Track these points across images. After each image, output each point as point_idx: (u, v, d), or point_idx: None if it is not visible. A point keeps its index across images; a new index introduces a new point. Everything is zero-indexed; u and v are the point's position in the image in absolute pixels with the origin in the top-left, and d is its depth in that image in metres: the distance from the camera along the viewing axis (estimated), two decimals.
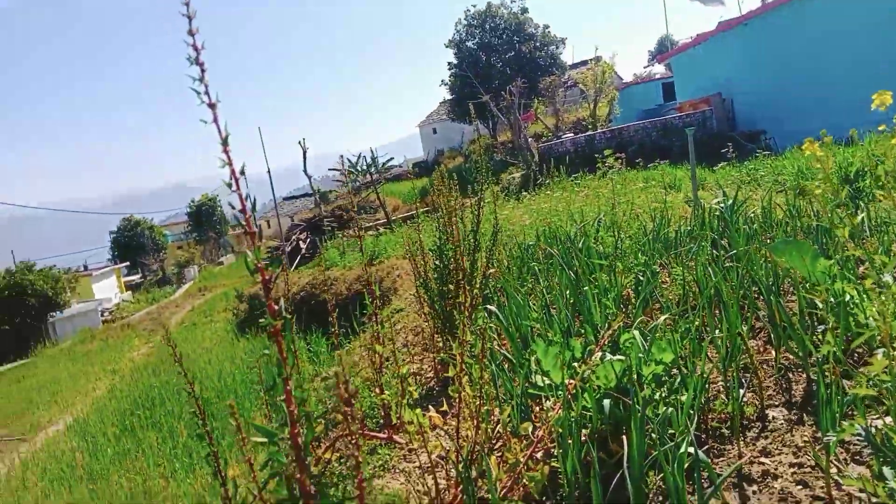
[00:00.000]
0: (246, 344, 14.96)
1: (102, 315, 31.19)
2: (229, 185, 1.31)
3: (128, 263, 44.55)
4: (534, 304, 3.56)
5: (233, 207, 1.35)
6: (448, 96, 38.86)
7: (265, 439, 1.43)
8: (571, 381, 2.39)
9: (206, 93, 1.23)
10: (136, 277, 45.18)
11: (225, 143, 1.25)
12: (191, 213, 52.20)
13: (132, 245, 45.76)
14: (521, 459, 2.21)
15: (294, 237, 21.76)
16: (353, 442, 1.36)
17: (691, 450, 1.86)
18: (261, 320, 1.35)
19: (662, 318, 2.70)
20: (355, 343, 9.16)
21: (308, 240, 21.03)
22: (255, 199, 1.34)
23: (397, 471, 3.11)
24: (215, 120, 1.25)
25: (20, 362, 23.68)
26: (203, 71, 1.22)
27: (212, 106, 1.24)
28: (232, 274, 35.98)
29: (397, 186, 35.26)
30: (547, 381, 2.72)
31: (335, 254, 17.24)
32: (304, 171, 26.77)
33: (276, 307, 1.30)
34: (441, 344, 4.59)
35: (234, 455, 7.80)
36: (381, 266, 13.22)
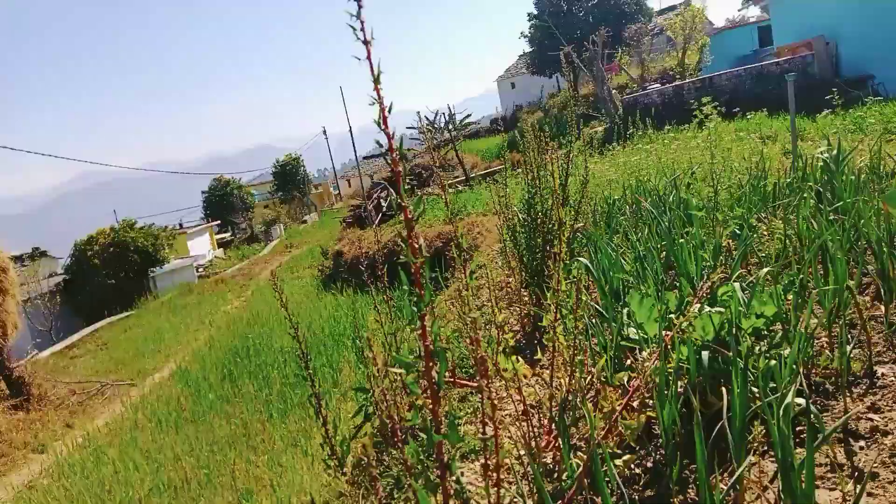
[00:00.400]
0: (332, 299, 15.49)
1: (197, 270, 32.95)
2: (378, 124, 1.36)
3: (219, 222, 46.62)
4: (625, 258, 3.52)
5: (380, 145, 1.40)
6: (527, 49, 37.94)
7: (403, 370, 1.51)
8: (668, 332, 2.37)
9: (362, 29, 1.26)
10: (226, 235, 47.27)
11: (377, 81, 1.29)
12: (276, 172, 53.77)
13: (222, 204, 47.77)
14: (617, 408, 2.23)
15: (375, 195, 22.12)
16: (483, 387, 1.41)
17: (798, 400, 1.82)
18: (401, 258, 1.40)
19: (764, 270, 2.61)
20: (439, 298, 9.32)
21: (388, 198, 21.34)
22: (402, 137, 1.39)
23: (489, 417, 3.19)
24: (368, 56, 1.28)
25: (125, 314, 25.45)
26: (360, 7, 1.25)
27: (366, 42, 1.27)
28: (315, 232, 37.11)
29: (475, 143, 35.06)
30: (640, 334, 2.71)
31: (416, 212, 17.45)
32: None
33: (417, 245, 1.36)
34: (527, 298, 4.62)
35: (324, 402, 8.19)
36: (461, 223, 13.30)
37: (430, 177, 21.88)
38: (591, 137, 16.82)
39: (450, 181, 21.03)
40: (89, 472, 8.78)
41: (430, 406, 1.38)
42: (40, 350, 22.13)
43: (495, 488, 1.28)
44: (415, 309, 1.39)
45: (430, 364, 1.39)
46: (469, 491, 1.36)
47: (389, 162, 1.48)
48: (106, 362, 17.60)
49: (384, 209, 21.02)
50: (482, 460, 1.80)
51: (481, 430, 3.15)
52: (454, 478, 1.33)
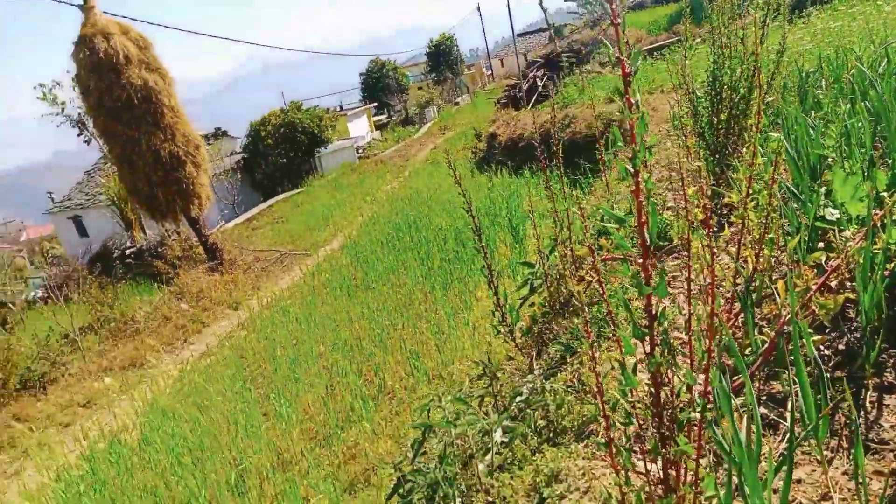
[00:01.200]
0: (486, 180, 15.69)
1: (357, 152, 34.55)
2: None
3: (375, 104, 47.91)
4: (823, 135, 3.21)
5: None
6: None
7: (616, 225, 1.56)
8: (878, 211, 2.19)
9: None
10: (382, 117, 48.60)
11: None
12: (429, 53, 53.61)
13: (378, 86, 48.81)
14: (812, 287, 2.14)
15: (531, 74, 21.49)
16: (707, 224, 1.42)
17: None
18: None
19: None
20: (598, 183, 9.13)
21: (545, 77, 20.65)
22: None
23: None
24: None
25: (296, 191, 27.57)
26: None
27: None
28: (468, 114, 37.07)
29: (638, 16, 32.42)
30: (840, 214, 2.52)
31: (573, 91, 16.81)
32: (540, 3, 25.67)
33: (633, 101, 1.36)
34: (703, 179, 4.41)
35: (476, 279, 8.54)
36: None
37: (590, 54, 20.75)
38: (779, 3, 14.93)
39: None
40: (278, 327, 10.00)
41: (641, 261, 1.42)
42: (226, 221, 24.81)
43: (708, 339, 1.32)
44: (629, 167, 1.40)
45: (643, 220, 1.42)
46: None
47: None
48: (282, 234, 19.40)
49: (540, 88, 20.44)
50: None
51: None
52: (661, 328, 1.38)
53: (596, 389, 1.35)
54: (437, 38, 53.27)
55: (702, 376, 1.33)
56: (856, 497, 1.77)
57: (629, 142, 1.36)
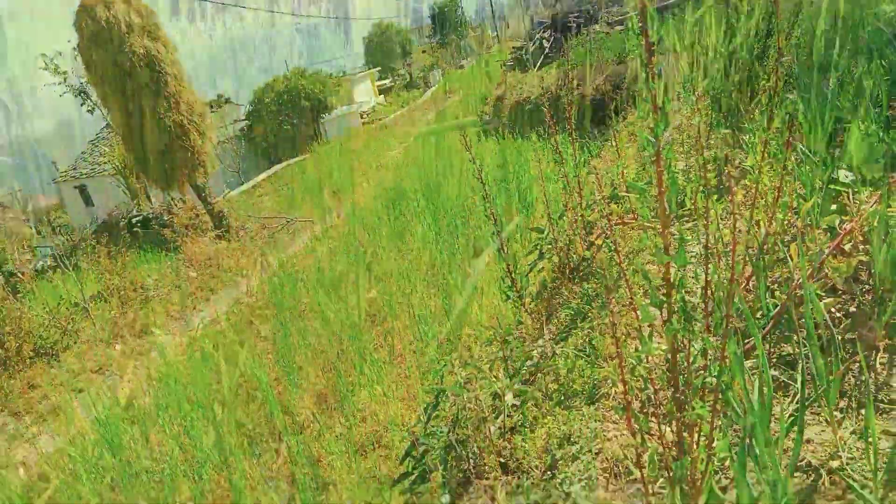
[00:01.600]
0: (492, 144, 15.54)
1: (361, 117, 34.25)
2: None
3: (379, 68, 47.35)
4: (842, 93, 3.16)
5: None
6: None
7: (637, 194, 1.56)
8: (893, 173, 2.17)
9: None
10: (386, 82, 48.09)
11: None
12: (433, 15, 52.81)
13: (382, 50, 48.23)
14: (825, 250, 2.14)
15: (537, 36, 21.14)
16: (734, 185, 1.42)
17: None
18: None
19: None
20: (606, 146, 9.05)
21: (552, 38, 20.31)
22: None
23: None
24: None
25: (301, 157, 27.43)
26: None
27: None
28: (473, 77, 36.55)
29: None
30: (856, 176, 2.50)
31: (581, 52, 16.54)
32: None
33: (655, 71, 1.34)
34: (713, 141, 4.37)
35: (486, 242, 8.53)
36: (633, 65, 12.46)
37: (598, 13, 20.36)
38: None
39: (619, 17, 19.45)
40: (285, 293, 10.07)
41: (661, 230, 1.42)
42: (231, 189, 24.78)
43: (727, 306, 1.32)
44: (651, 137, 1.39)
45: (663, 189, 1.41)
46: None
47: None
48: (288, 201, 19.37)
49: (546, 50, 20.12)
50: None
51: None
52: (679, 296, 1.39)
53: (616, 354, 1.37)
54: (441, 0, 52.36)
55: (719, 342, 1.34)
56: (864, 456, 1.79)
57: (654, 109, 1.34)
